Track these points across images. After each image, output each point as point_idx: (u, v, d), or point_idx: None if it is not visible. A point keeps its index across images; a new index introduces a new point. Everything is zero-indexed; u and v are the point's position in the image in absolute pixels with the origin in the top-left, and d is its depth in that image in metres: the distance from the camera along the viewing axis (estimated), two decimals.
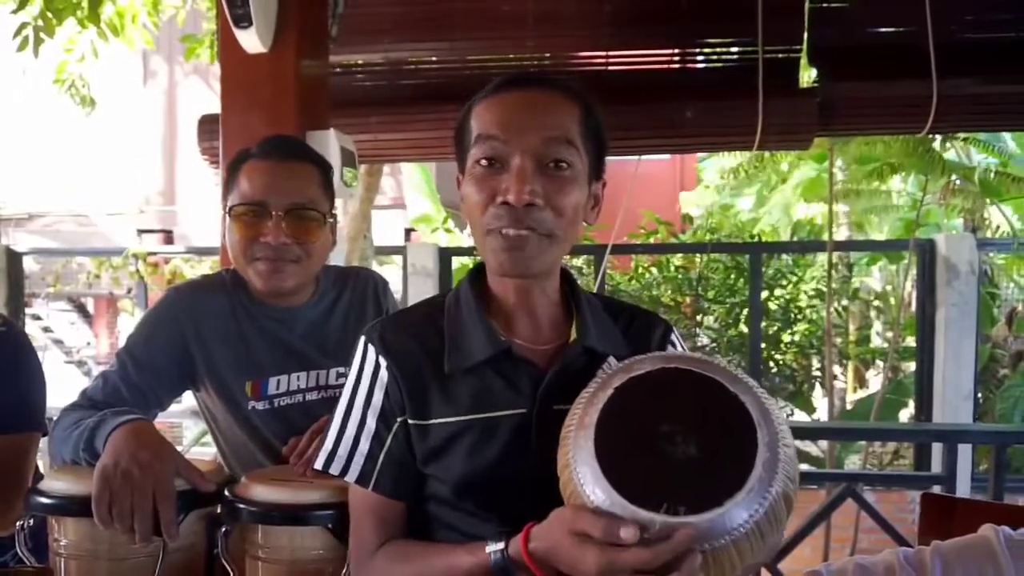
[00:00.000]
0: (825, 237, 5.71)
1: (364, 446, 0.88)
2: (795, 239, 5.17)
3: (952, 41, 2.38)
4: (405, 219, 7.03)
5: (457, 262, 4.50)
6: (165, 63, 8.40)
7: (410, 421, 0.87)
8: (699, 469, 0.76)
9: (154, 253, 4.65)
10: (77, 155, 8.29)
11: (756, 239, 5.36)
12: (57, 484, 0.98)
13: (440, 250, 4.27)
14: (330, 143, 1.90)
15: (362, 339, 0.92)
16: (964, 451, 3.27)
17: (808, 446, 5.08)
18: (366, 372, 0.90)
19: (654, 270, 4.96)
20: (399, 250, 4.46)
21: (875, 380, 6.95)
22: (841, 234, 6.46)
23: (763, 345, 5.07)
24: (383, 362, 0.89)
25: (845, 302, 6.17)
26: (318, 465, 0.89)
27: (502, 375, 0.88)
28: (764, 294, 4.62)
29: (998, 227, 5.51)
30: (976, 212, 5.78)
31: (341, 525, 0.93)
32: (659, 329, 0.98)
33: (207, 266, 4.93)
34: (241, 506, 0.95)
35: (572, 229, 0.90)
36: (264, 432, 1.26)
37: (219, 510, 1.00)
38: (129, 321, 4.79)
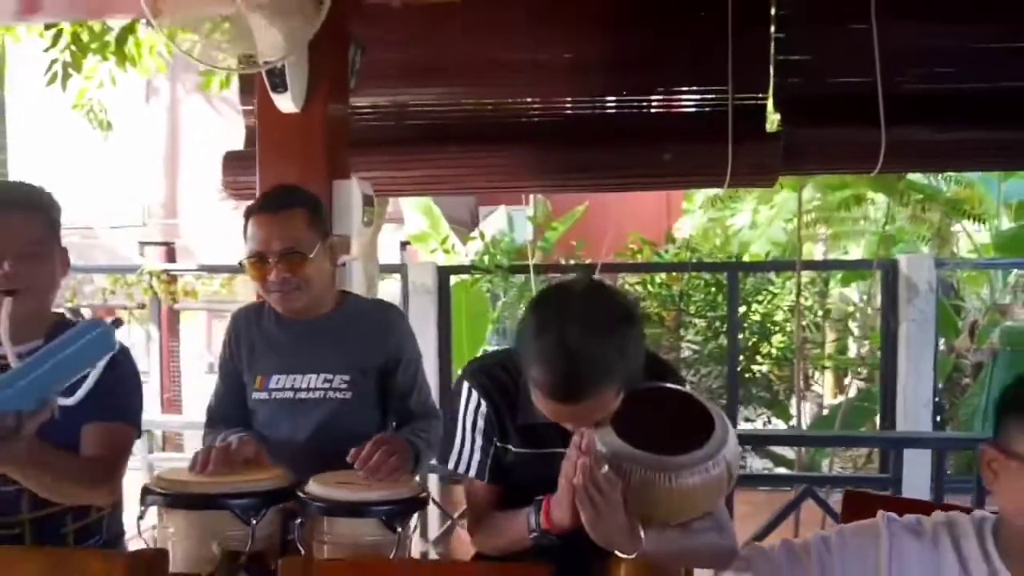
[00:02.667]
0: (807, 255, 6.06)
1: (478, 455, 1.35)
2: (770, 258, 5.49)
3: (898, 92, 2.68)
4: (402, 233, 7.29)
5: (456, 279, 4.77)
6: (167, 81, 8.61)
7: (497, 444, 1.35)
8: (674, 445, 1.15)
9: (168, 271, 4.89)
10: (80, 170, 8.51)
11: (734, 259, 5.69)
12: (169, 484, 1.26)
13: (439, 268, 4.53)
14: (352, 191, 2.18)
15: (464, 379, 1.38)
16: (924, 456, 3.57)
17: (785, 450, 5.40)
18: (471, 405, 1.36)
19: (639, 287, 5.28)
20: (399, 268, 4.72)
21: (854, 388, 7.32)
22: (819, 252, 6.82)
23: (742, 357, 5.39)
24: (481, 399, 1.35)
25: (821, 315, 6.50)
26: (450, 466, 1.38)
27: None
28: (743, 309, 4.95)
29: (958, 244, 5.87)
30: (943, 232, 6.14)
31: (392, 517, 1.21)
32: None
33: (217, 283, 5.18)
34: (312, 502, 1.24)
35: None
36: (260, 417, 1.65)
37: (293, 505, 1.28)
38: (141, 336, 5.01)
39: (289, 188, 1.77)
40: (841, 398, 7.07)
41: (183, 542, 1.23)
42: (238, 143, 3.13)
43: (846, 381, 6.08)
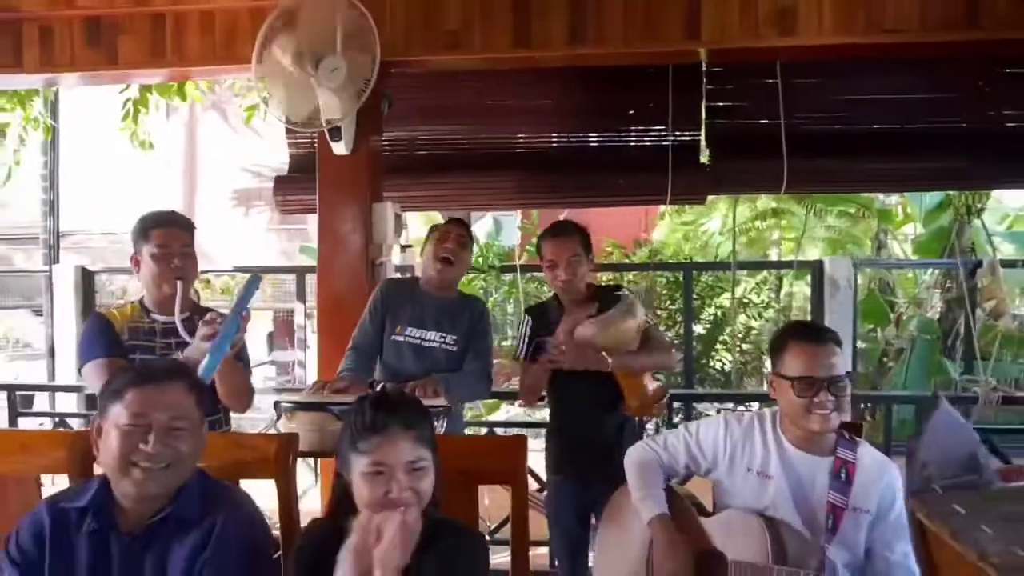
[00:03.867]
0: (773, 256, 6.94)
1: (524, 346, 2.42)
2: (717, 259, 6.37)
3: (797, 132, 3.51)
4: (405, 237, 8.12)
5: None
6: (177, 95, 9.45)
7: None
8: None
9: (206, 271, 5.68)
10: (105, 179, 9.29)
11: (688, 260, 6.57)
12: (295, 396, 2.08)
13: None
14: (387, 211, 2.99)
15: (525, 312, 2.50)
16: None
17: None
18: (524, 323, 2.46)
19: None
20: (406, 268, 5.51)
21: None
22: (775, 254, 7.70)
23: (702, 345, 6.22)
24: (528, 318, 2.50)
25: (777, 307, 7.38)
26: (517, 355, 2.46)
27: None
28: (698, 303, 5.79)
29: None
30: (879, 236, 7.03)
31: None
32: None
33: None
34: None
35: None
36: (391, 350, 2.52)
37: None
38: None
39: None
40: None
41: (303, 432, 2.03)
42: (250, 157, 3.94)
43: None
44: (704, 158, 3.68)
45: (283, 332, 10.06)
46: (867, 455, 1.85)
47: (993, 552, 1.08)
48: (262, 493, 1.75)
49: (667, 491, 1.96)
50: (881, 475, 1.82)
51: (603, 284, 2.64)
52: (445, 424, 2.19)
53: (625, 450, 2.06)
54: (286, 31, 2.64)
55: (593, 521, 2.46)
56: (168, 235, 2.24)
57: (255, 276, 2.14)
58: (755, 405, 4.46)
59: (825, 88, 3.57)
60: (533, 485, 3.53)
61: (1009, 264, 5.40)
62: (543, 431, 2.81)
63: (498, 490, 1.98)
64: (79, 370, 2.26)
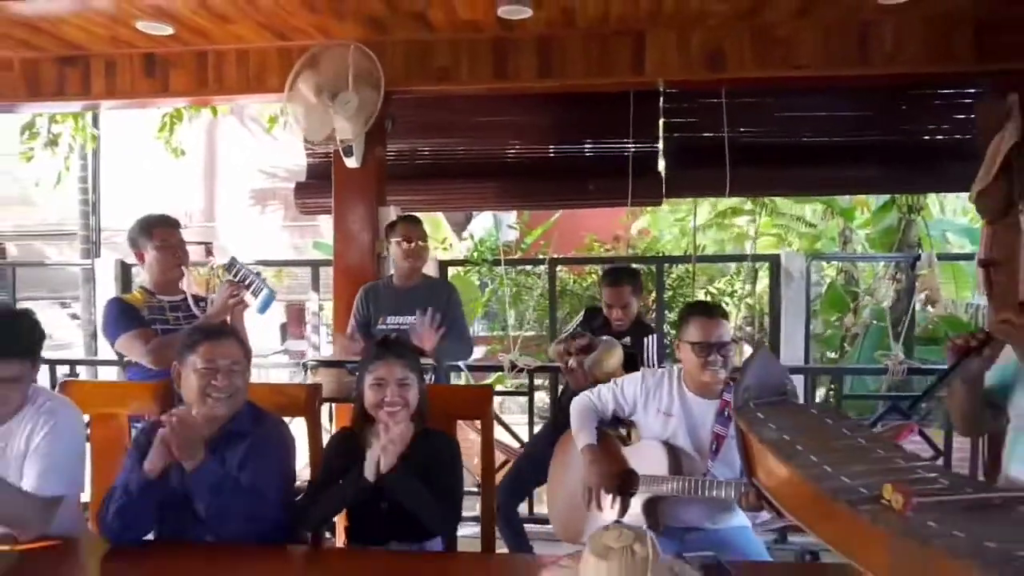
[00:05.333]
0: (748, 248, 7.57)
1: None
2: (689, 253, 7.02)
3: (739, 144, 4.11)
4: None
5: (452, 270, 6.21)
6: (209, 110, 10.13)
7: None
8: None
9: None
10: (133, 182, 9.97)
11: (660, 254, 7.21)
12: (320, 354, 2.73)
13: (440, 262, 5.98)
14: (390, 213, 3.63)
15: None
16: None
17: None
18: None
19: (592, 276, 6.75)
20: None
21: None
22: (748, 247, 8.31)
23: (672, 331, 6.84)
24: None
25: (750, 299, 8.00)
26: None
27: None
28: (670, 294, 6.43)
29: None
30: (845, 232, 7.63)
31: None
32: None
33: (271, 273, 6.62)
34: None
35: None
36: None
37: None
38: None
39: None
40: None
41: (325, 383, 2.67)
42: (266, 158, 4.62)
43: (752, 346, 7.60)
44: (661, 167, 4.31)
45: (295, 323, 10.75)
46: None
47: (771, 439, 1.71)
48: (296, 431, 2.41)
49: (598, 429, 2.59)
50: None
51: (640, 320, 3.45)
52: (433, 378, 2.85)
53: None
54: (310, 70, 3.29)
55: None
56: (167, 232, 2.91)
57: (232, 259, 2.88)
58: None
59: (762, 108, 4.19)
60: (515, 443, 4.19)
61: (952, 257, 5.99)
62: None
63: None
64: (112, 345, 2.86)
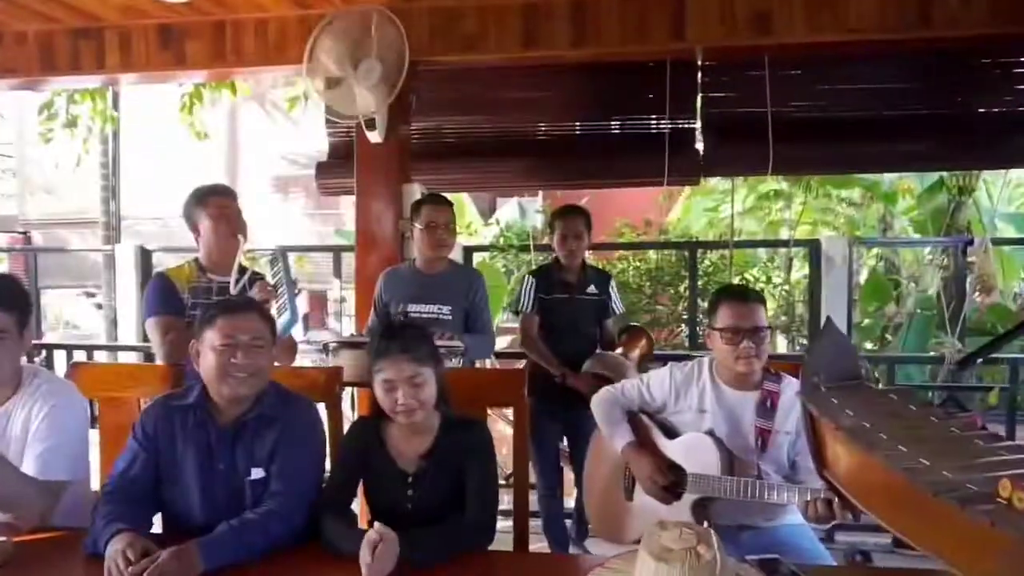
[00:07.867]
0: (785, 235, 7.32)
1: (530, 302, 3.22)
2: (722, 238, 6.76)
3: (782, 119, 3.88)
4: None
5: (478, 256, 6.03)
6: (228, 88, 10.03)
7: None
8: None
9: (251, 251, 6.20)
10: (154, 167, 9.92)
11: (695, 239, 6.97)
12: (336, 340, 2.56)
13: (465, 248, 5.80)
14: (415, 191, 3.46)
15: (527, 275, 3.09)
16: None
17: None
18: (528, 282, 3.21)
19: (623, 263, 6.52)
20: None
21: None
22: (784, 233, 8.04)
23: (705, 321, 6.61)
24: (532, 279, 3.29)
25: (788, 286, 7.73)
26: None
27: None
28: (703, 281, 6.17)
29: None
30: (886, 217, 7.34)
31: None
32: None
33: (291, 258, 6.50)
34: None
35: None
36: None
37: None
38: None
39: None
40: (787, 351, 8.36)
41: (347, 366, 2.51)
42: (288, 145, 4.44)
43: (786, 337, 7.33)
44: (699, 144, 4.08)
45: (316, 311, 10.65)
46: (789, 387, 2.21)
47: (850, 427, 1.51)
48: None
49: (632, 420, 2.38)
50: (797, 403, 2.21)
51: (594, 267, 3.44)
52: (461, 362, 2.67)
53: None
54: (331, 39, 3.12)
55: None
56: (222, 201, 2.72)
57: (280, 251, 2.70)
58: None
59: (807, 80, 3.94)
60: None
61: (1006, 242, 5.68)
62: None
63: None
64: (144, 323, 2.68)
